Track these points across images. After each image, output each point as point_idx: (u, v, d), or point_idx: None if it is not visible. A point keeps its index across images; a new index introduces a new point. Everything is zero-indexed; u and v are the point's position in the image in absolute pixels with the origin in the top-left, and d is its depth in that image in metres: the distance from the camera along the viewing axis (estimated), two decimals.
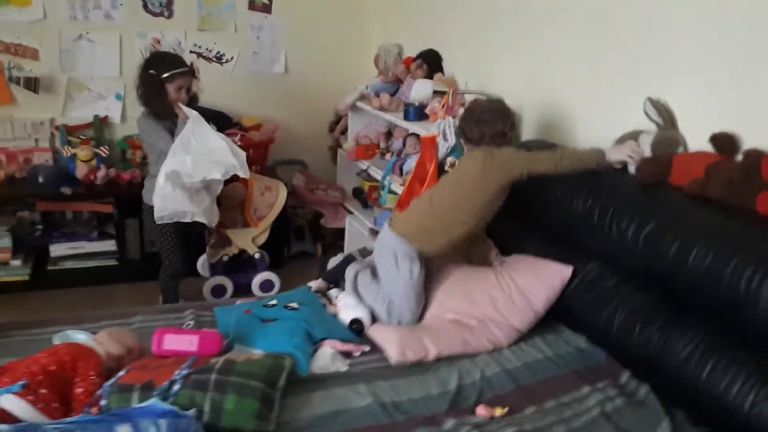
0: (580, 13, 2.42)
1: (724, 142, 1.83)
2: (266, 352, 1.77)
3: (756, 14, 1.78)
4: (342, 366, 1.84)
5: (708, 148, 1.88)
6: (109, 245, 3.56)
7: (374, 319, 2.05)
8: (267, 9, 3.92)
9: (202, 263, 3.58)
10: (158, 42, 3.71)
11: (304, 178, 4.02)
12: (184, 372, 1.58)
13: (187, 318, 2.07)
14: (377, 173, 3.47)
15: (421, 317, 2.08)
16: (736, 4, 1.84)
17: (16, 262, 3.36)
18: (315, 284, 2.24)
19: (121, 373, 1.59)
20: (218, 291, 3.45)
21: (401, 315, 2.04)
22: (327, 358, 1.84)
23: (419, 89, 2.73)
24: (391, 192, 3.26)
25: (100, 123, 3.65)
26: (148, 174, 2.92)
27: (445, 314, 2.05)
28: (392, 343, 1.88)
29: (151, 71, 2.69)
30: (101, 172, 3.44)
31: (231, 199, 3.38)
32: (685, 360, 1.67)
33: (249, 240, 3.50)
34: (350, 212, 3.92)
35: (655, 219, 1.81)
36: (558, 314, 2.09)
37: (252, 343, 1.83)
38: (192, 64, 2.84)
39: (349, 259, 2.21)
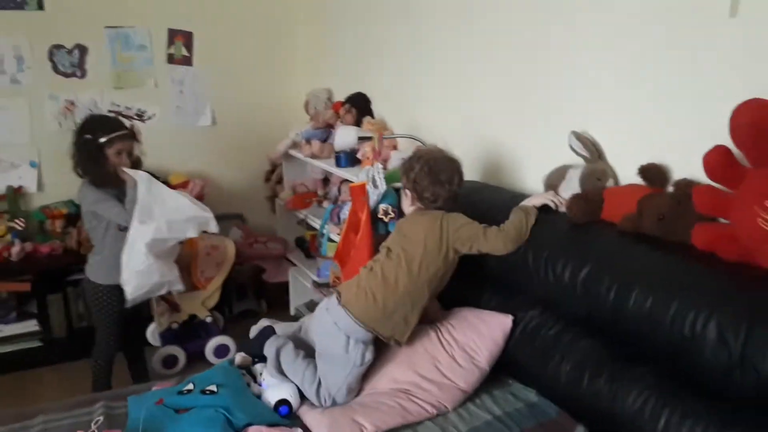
0: (503, 52, 2.35)
1: (653, 174, 1.75)
2: None
3: (673, 41, 1.73)
4: None
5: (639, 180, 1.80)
6: (31, 326, 3.29)
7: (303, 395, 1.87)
8: (187, 61, 3.78)
9: (152, 332, 3.36)
10: (72, 104, 3.52)
11: (242, 233, 3.84)
12: None
13: (96, 412, 1.85)
14: (316, 222, 3.32)
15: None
16: (653, 32, 1.78)
17: None
18: (238, 358, 2.05)
19: None
20: (169, 362, 3.24)
21: (335, 396, 1.84)
22: None
23: (342, 137, 2.62)
24: (331, 240, 3.11)
25: (14, 194, 3.41)
26: (92, 252, 2.65)
27: (381, 381, 1.89)
28: (322, 429, 1.70)
29: (87, 136, 2.48)
30: (16, 248, 3.19)
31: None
32: (637, 413, 1.54)
33: (198, 304, 3.33)
34: (293, 264, 3.75)
35: (591, 261, 1.70)
36: (505, 366, 1.95)
37: None
38: (133, 126, 2.62)
39: (265, 333, 2.02)
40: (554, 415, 1.79)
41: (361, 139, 2.61)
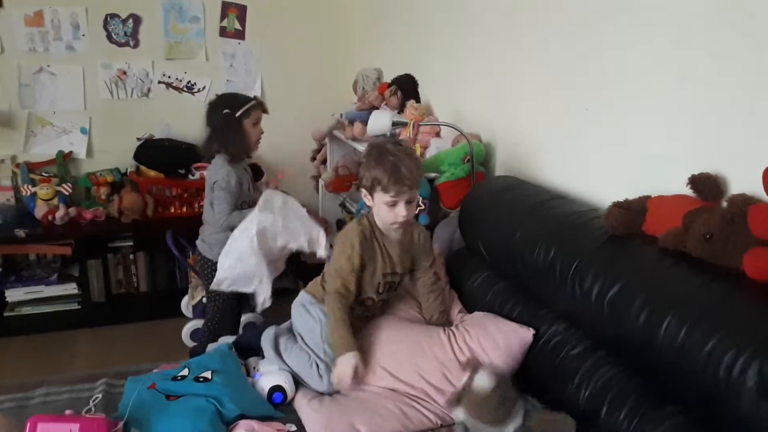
0: (555, 50, 2.14)
1: (705, 185, 1.52)
2: None
3: (738, 33, 1.49)
4: None
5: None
6: (70, 288, 3.37)
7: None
8: (240, 35, 3.73)
9: (185, 305, 3.38)
10: (124, 73, 3.55)
11: None
12: None
13: (97, 389, 1.83)
14: (354, 206, 3.22)
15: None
16: (713, 22, 1.54)
17: None
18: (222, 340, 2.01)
19: None
20: (197, 334, 3.24)
21: (326, 359, 1.82)
22: None
23: (376, 121, 2.47)
24: None
25: (64, 159, 3.48)
26: (206, 228, 2.70)
27: (384, 379, 1.77)
28: (318, 429, 1.61)
29: (225, 111, 2.57)
30: (60, 212, 3.26)
31: None
32: None
33: None
34: (331, 246, 3.67)
35: (623, 279, 1.50)
36: (518, 380, 1.79)
37: (150, 427, 1.57)
38: (257, 97, 2.75)
39: (251, 327, 1.97)
40: None
41: (396, 124, 2.47)
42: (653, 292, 1.43)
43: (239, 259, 2.43)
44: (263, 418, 1.68)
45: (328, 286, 1.86)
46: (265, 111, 2.69)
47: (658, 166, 1.76)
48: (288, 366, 1.84)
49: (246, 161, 2.72)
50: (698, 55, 1.59)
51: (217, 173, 2.59)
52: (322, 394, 1.79)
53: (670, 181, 1.67)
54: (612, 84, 1.89)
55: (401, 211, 1.79)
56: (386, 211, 1.80)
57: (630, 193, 1.71)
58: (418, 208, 2.32)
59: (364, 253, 1.84)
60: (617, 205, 1.66)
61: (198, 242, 2.75)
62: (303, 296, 1.98)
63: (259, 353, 1.93)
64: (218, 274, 2.46)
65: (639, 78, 1.79)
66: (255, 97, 2.72)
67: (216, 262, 2.53)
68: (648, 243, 1.57)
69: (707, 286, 1.37)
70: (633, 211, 1.64)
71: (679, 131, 1.68)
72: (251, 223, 2.42)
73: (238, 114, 2.56)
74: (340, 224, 3.71)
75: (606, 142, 1.93)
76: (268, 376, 1.81)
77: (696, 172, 1.55)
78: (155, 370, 1.88)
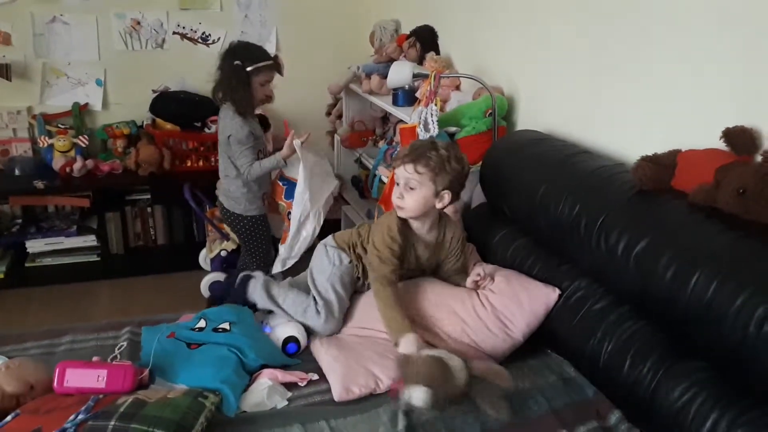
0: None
1: (740, 139, 1.48)
2: (189, 387, 1.54)
3: None
4: (280, 401, 1.60)
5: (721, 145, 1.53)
6: (89, 240, 3.40)
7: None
8: None
9: (203, 258, 3.41)
10: (138, 23, 3.49)
11: None
12: (80, 417, 1.36)
13: (122, 337, 1.86)
14: (370, 162, 3.20)
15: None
16: None
17: None
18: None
19: (8, 418, 1.38)
20: (217, 287, 3.28)
21: (327, 297, 1.84)
22: (263, 392, 1.59)
23: (396, 73, 2.42)
24: (382, 182, 2.98)
25: (80, 111, 3.46)
26: (226, 183, 2.71)
27: None
28: (336, 377, 1.62)
29: (236, 62, 2.51)
30: (77, 164, 3.26)
31: None
32: (680, 410, 1.36)
33: None
34: (347, 202, 3.67)
35: (650, 234, 1.48)
36: (540, 335, 1.80)
37: (174, 375, 1.59)
38: (277, 57, 2.67)
39: (233, 281, 1.99)
40: (590, 395, 1.62)
41: (417, 76, 2.41)
42: (682, 247, 1.41)
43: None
44: (284, 368, 1.70)
45: (373, 272, 1.80)
46: (279, 73, 2.64)
47: (688, 120, 1.71)
48: (285, 311, 1.87)
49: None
50: (732, 1, 1.53)
51: (228, 125, 2.57)
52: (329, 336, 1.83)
53: (700, 136, 1.63)
54: (641, 33, 1.83)
55: (395, 193, 1.76)
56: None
57: (658, 147, 1.67)
58: None
59: (402, 246, 1.80)
60: (646, 159, 1.63)
61: (221, 198, 2.76)
62: (329, 239, 1.99)
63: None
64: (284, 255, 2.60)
65: (669, 26, 1.73)
66: (275, 57, 2.65)
67: (246, 216, 2.63)
68: (677, 198, 1.54)
69: (738, 241, 1.35)
70: (662, 165, 1.60)
71: (712, 83, 1.63)
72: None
73: (248, 69, 2.51)
74: (356, 181, 3.69)
75: (634, 96, 1.88)
76: (281, 327, 1.82)
77: (729, 126, 1.51)
78: (180, 320, 1.90)
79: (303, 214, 2.65)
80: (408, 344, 1.60)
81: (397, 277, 1.79)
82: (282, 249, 2.75)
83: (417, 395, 1.40)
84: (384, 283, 1.74)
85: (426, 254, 1.89)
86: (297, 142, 2.57)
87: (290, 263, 2.76)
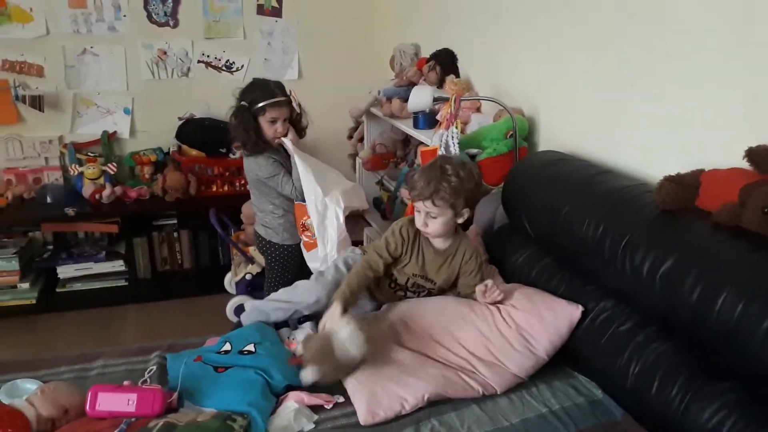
0: (602, 19, 2.09)
1: (764, 158, 1.47)
2: (218, 410, 1.56)
3: None
4: (307, 424, 1.61)
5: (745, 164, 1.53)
6: (118, 266, 3.47)
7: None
8: (277, 13, 3.73)
9: (228, 281, 3.45)
10: (164, 53, 3.59)
11: None
12: None
13: (152, 362, 1.89)
14: (392, 184, 3.23)
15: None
16: None
17: (24, 285, 3.31)
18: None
19: None
20: (241, 310, 3.31)
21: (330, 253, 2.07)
22: (290, 415, 1.61)
23: (417, 97, 2.45)
24: (404, 204, 3.01)
25: (109, 139, 3.56)
26: (263, 218, 2.69)
27: (426, 348, 1.79)
28: (361, 401, 1.63)
29: (243, 103, 2.46)
30: (106, 191, 3.35)
31: (250, 217, 3.22)
32: None
33: None
34: (369, 224, 3.69)
35: (675, 254, 1.48)
36: (566, 357, 1.79)
37: (202, 398, 1.61)
38: (291, 92, 2.57)
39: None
40: (618, 417, 1.62)
41: (438, 100, 2.45)
42: (707, 267, 1.40)
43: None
44: (310, 389, 1.72)
45: (365, 255, 2.00)
46: (290, 109, 2.53)
47: (711, 140, 1.71)
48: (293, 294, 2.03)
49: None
50: (754, 19, 1.54)
51: (252, 168, 2.56)
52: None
53: (724, 155, 1.62)
54: (661, 52, 1.84)
55: (418, 220, 1.89)
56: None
57: (681, 167, 1.67)
58: None
59: (401, 245, 1.94)
60: (669, 179, 1.63)
61: (259, 229, 2.73)
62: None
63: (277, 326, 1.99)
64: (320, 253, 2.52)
65: (690, 46, 1.74)
66: (289, 92, 2.55)
67: (283, 245, 2.64)
68: (701, 218, 1.54)
69: (765, 260, 1.34)
70: (686, 185, 1.60)
71: (734, 103, 1.63)
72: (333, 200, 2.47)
73: (252, 110, 2.45)
74: (377, 203, 3.72)
75: (655, 115, 1.89)
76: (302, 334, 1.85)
77: (752, 145, 1.51)
78: (207, 343, 1.92)
79: (318, 201, 2.45)
80: (331, 311, 1.81)
81: (383, 270, 1.94)
82: (316, 251, 2.60)
83: (305, 375, 1.66)
84: (364, 264, 1.94)
85: (436, 263, 1.95)
86: (286, 141, 2.50)
87: (330, 259, 2.55)
